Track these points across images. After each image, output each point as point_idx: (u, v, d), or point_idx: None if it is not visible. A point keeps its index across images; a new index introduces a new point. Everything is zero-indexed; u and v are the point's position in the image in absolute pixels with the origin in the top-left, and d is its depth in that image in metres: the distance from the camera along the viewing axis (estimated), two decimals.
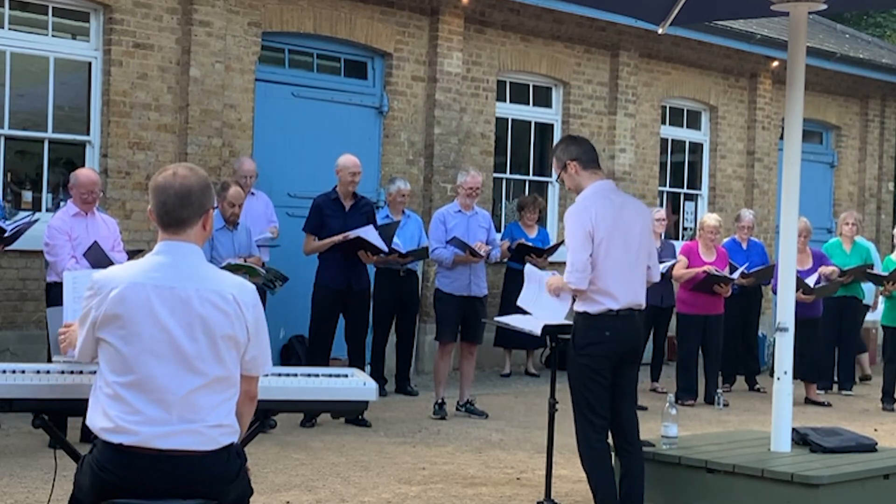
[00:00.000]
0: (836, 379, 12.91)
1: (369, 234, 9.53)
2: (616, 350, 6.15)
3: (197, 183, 3.85)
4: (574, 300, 6.32)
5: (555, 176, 6.43)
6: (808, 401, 11.91)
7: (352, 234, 9.46)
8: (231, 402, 3.84)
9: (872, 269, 12.21)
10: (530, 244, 12.37)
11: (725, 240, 12.85)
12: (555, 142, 14.37)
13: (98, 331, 3.77)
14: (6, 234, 8.35)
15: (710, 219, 11.93)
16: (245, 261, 9.13)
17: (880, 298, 12.33)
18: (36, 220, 8.69)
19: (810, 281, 11.44)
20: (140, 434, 3.68)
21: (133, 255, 8.68)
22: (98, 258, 7.92)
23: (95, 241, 8.04)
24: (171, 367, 3.72)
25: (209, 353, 3.75)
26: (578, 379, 6.19)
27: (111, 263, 7.75)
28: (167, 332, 3.72)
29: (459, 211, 10.16)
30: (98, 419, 3.75)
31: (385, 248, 9.73)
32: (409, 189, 11.24)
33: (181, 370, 3.72)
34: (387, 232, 9.89)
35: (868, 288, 12.91)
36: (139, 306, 3.72)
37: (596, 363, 6.14)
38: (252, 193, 10.58)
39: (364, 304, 9.83)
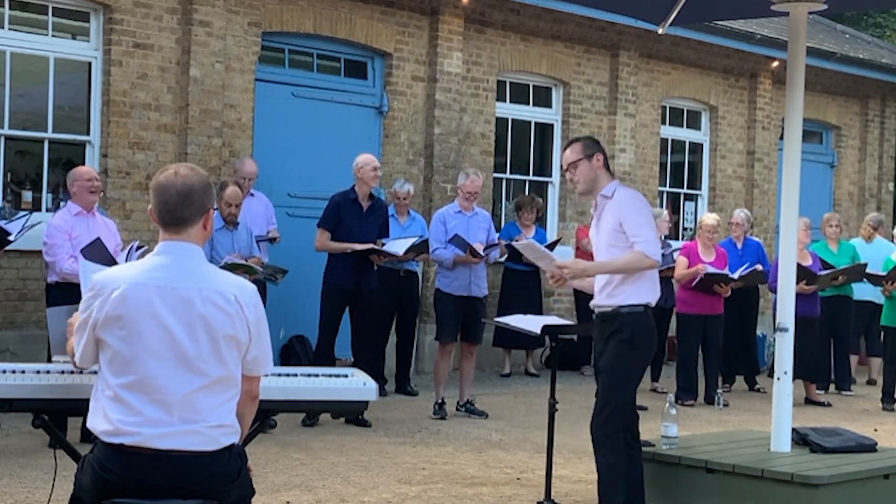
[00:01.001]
0: (832, 379, 12.90)
1: (393, 246, 9.76)
2: None
3: (198, 182, 3.85)
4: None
5: (567, 161, 6.25)
6: (808, 401, 11.91)
7: (385, 248, 9.60)
8: (232, 402, 3.84)
9: (866, 268, 12.22)
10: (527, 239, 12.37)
11: (722, 240, 12.86)
12: (555, 142, 14.41)
13: (99, 332, 3.77)
14: (11, 238, 8.33)
15: (709, 218, 11.94)
16: (247, 260, 9.13)
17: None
18: (38, 223, 8.68)
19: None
20: (140, 435, 3.68)
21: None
22: (98, 256, 7.88)
23: (98, 238, 7.99)
24: (171, 368, 3.72)
25: (210, 353, 3.75)
26: (632, 377, 6.10)
27: (113, 260, 7.75)
28: (168, 332, 3.72)
29: (459, 212, 10.17)
30: (98, 422, 3.75)
31: (400, 253, 9.78)
32: (406, 192, 11.20)
33: (182, 370, 3.72)
34: (419, 248, 10.24)
35: (868, 288, 12.91)
36: (141, 306, 3.72)
37: (649, 358, 6.23)
38: (251, 194, 10.58)
39: (372, 303, 9.83)
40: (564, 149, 6.33)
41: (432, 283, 11.03)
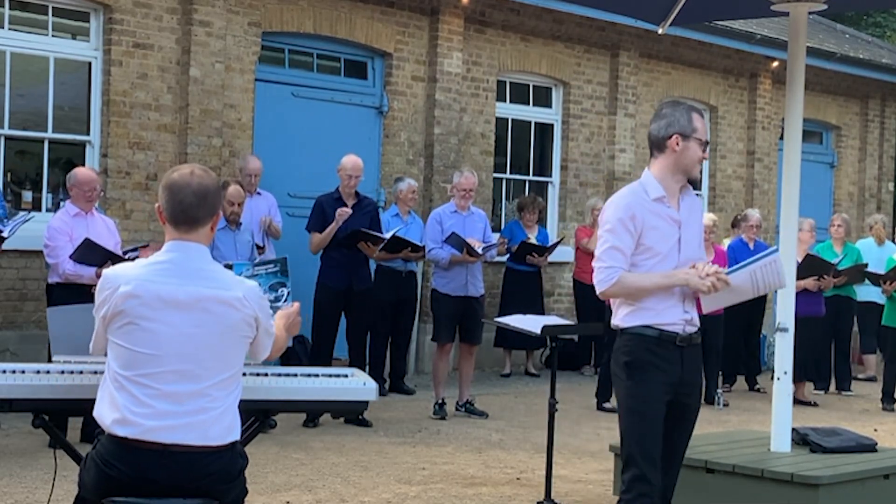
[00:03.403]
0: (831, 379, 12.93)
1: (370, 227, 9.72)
2: None
3: (212, 184, 3.91)
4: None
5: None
6: (795, 400, 11.87)
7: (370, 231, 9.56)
8: (235, 398, 3.88)
9: (866, 268, 12.25)
10: (537, 243, 12.42)
11: (733, 239, 12.87)
12: (555, 142, 14.40)
13: (107, 326, 3.82)
14: (5, 235, 8.34)
15: (705, 218, 11.92)
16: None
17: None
18: (30, 218, 8.69)
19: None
20: (145, 426, 3.71)
21: (137, 249, 8.69)
22: (90, 256, 7.89)
23: (87, 239, 7.99)
24: (175, 365, 3.75)
25: (214, 351, 3.79)
26: None
27: (107, 257, 7.75)
28: (173, 329, 3.76)
29: (455, 211, 10.16)
30: (106, 410, 3.79)
31: (384, 237, 9.73)
32: (414, 186, 11.30)
33: (186, 368, 3.76)
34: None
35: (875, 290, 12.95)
36: (146, 304, 3.76)
37: None
38: (258, 193, 10.60)
39: (366, 304, 9.84)
40: (700, 116, 5.12)
41: (431, 283, 11.03)
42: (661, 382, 4.84)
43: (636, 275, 4.83)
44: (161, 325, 3.75)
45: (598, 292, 4.89)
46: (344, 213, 9.53)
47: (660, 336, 4.84)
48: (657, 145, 5.00)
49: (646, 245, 4.83)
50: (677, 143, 4.94)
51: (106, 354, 3.91)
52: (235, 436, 3.87)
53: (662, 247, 4.87)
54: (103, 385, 3.85)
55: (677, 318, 4.87)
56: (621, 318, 4.91)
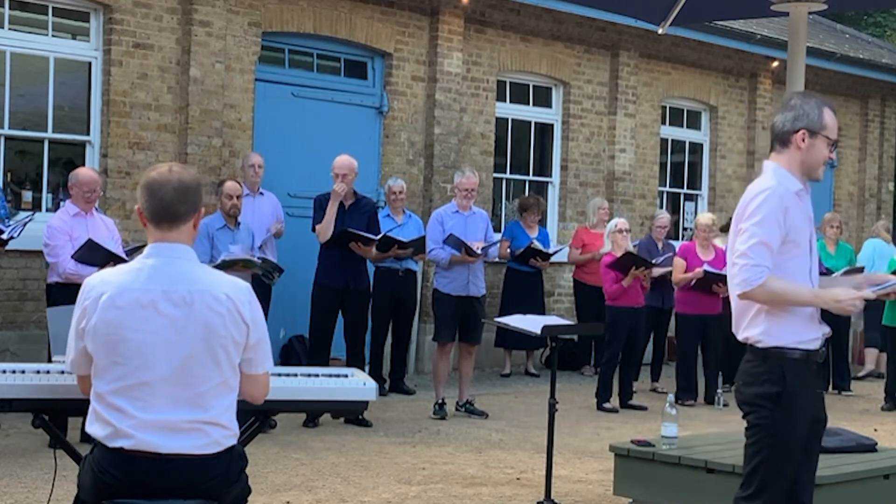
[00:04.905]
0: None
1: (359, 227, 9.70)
2: None
3: (192, 180, 3.80)
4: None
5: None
6: None
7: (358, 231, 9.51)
8: (231, 404, 3.79)
9: (863, 270, 12.27)
10: (543, 248, 12.45)
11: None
12: (555, 142, 14.40)
13: (89, 338, 3.71)
14: (4, 237, 8.34)
15: (704, 217, 11.95)
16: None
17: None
18: (32, 218, 8.70)
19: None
20: (139, 438, 3.64)
21: (135, 252, 8.69)
22: (92, 256, 7.89)
23: (89, 239, 8.00)
24: (166, 372, 3.66)
25: (205, 356, 3.69)
26: None
27: (109, 258, 7.76)
28: (161, 336, 3.65)
29: (457, 211, 10.16)
30: (97, 428, 3.71)
31: (374, 237, 9.70)
32: (400, 186, 11.23)
33: (177, 375, 3.67)
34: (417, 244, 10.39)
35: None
36: (131, 311, 3.65)
37: None
38: (261, 193, 10.61)
39: (363, 303, 9.83)
40: (832, 112, 4.56)
41: (432, 283, 11.03)
42: (807, 414, 4.58)
43: (785, 282, 4.40)
44: (144, 333, 3.64)
45: (738, 292, 4.42)
46: (340, 188, 9.47)
47: (807, 358, 4.54)
48: (781, 139, 4.52)
49: (794, 241, 4.42)
50: (803, 140, 4.46)
51: (83, 370, 3.80)
52: (232, 441, 3.79)
53: (804, 244, 4.49)
54: (92, 400, 3.74)
55: (819, 333, 4.51)
56: (763, 331, 4.53)
